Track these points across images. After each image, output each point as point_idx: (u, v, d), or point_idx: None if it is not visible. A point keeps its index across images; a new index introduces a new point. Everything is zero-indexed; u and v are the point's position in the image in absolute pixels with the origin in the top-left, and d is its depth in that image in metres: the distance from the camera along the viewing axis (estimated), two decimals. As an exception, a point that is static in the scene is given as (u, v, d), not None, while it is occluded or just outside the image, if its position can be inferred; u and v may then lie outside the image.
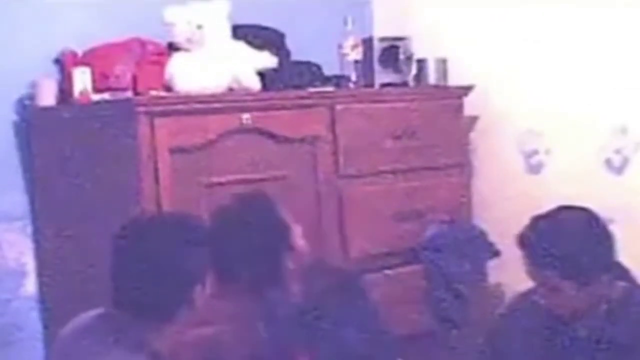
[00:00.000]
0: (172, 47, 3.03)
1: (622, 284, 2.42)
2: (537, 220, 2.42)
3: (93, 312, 2.17)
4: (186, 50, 2.95)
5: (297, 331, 2.30)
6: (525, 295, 2.52)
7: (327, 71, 3.32)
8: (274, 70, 3.07)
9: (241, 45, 3.03)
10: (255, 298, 2.45)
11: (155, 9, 3.02)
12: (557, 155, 3.45)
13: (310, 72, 3.25)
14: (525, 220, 2.44)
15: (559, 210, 2.43)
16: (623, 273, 2.46)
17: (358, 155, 3.18)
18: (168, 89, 2.93)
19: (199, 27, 2.92)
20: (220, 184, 2.87)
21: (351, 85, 3.29)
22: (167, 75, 2.92)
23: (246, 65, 3.00)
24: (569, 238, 2.34)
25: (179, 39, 2.95)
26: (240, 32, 3.08)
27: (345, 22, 3.29)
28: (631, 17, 3.21)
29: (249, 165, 2.93)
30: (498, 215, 3.48)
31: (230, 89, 2.97)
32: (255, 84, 3.00)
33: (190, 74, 2.90)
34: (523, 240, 2.40)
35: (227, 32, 3.01)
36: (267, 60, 3.05)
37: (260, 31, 3.13)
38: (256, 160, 2.95)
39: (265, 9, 3.10)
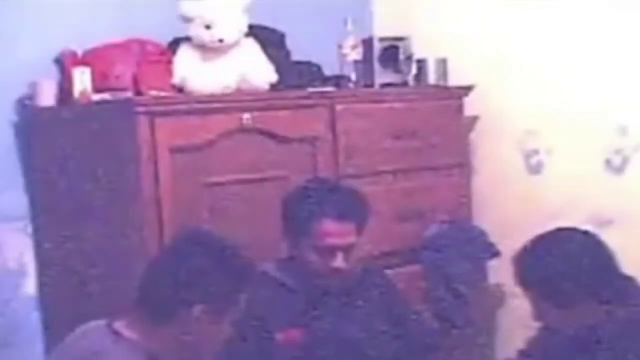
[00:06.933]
0: (175, 44, 3.04)
1: (616, 310, 2.34)
2: (532, 240, 2.42)
3: (93, 323, 2.17)
4: (197, 47, 2.96)
5: None
6: None
7: (327, 71, 3.32)
8: (275, 70, 3.07)
9: (253, 45, 3.04)
10: None
11: (155, 9, 3.02)
12: (557, 155, 3.45)
13: (310, 72, 3.25)
14: (525, 220, 2.44)
15: (556, 232, 2.43)
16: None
17: (358, 155, 3.17)
18: (178, 89, 2.94)
19: (220, 40, 2.93)
20: (220, 184, 2.87)
21: (351, 85, 3.29)
22: (177, 77, 2.93)
23: (255, 65, 3.02)
24: (552, 261, 2.33)
25: (195, 39, 2.97)
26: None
27: (345, 22, 3.28)
28: (631, 17, 3.21)
29: (249, 165, 2.93)
30: (498, 215, 3.48)
31: (238, 89, 2.98)
32: (264, 83, 3.02)
33: (203, 75, 2.92)
34: (514, 258, 2.42)
35: (242, 29, 3.01)
36: (269, 74, 3.06)
37: (260, 31, 3.12)
38: (256, 160, 2.95)
39: (265, 9, 3.09)
